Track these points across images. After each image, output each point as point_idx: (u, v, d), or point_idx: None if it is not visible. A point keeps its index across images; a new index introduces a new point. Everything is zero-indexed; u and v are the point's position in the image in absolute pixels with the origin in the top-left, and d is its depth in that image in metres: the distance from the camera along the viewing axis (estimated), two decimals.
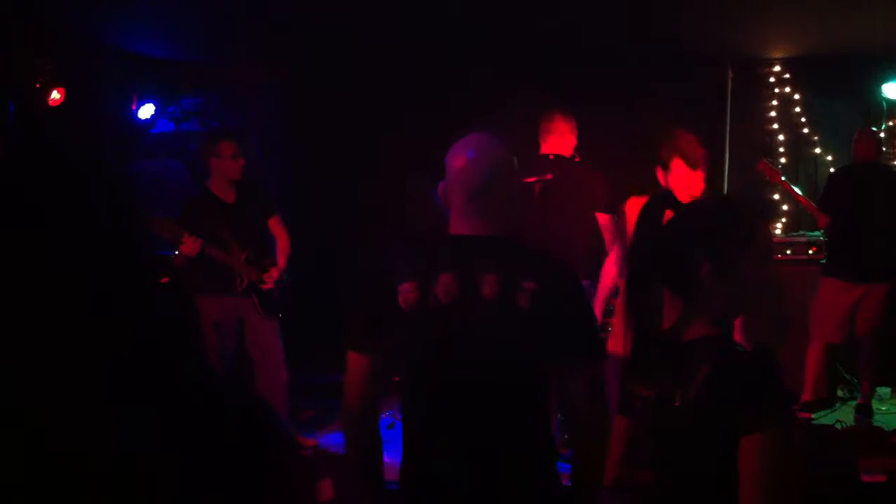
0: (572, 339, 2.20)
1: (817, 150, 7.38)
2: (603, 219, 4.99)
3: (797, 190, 6.43)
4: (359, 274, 2.34)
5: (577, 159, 5.23)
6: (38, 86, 5.57)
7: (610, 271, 4.96)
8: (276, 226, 5.55)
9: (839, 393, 6.45)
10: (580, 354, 2.23)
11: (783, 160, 7.33)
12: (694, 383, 1.76)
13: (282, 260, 5.48)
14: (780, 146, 7.39)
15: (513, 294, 2.12)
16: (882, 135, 6.86)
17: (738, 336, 5.58)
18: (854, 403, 6.05)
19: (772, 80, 7.35)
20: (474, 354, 2.15)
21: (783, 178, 6.42)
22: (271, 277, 5.32)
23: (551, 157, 5.11)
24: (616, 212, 4.89)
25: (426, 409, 2.23)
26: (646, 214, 4.42)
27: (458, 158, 2.28)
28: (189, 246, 4.92)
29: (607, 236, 5.00)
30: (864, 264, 5.84)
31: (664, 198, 4.34)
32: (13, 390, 1.06)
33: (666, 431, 1.86)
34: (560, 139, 5.16)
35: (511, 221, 2.28)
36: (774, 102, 7.38)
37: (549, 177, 4.97)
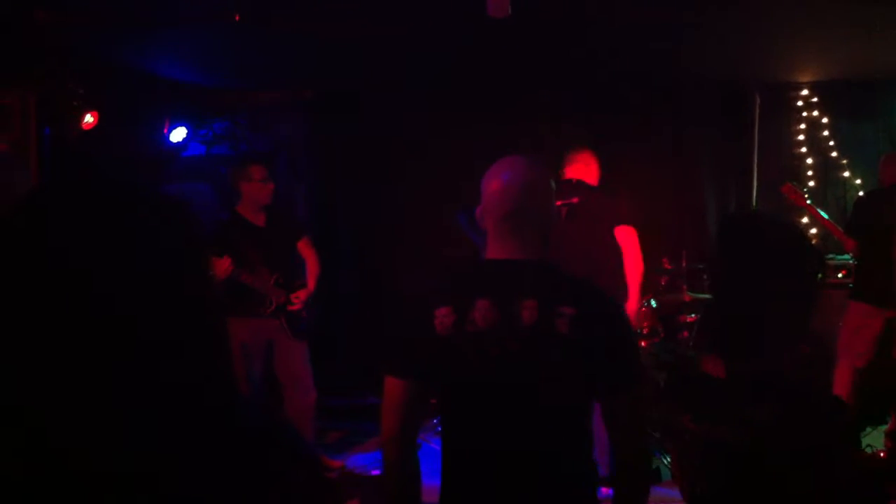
0: (613, 365, 2.16)
1: (846, 174, 7.34)
2: (625, 231, 5.01)
3: (822, 213, 6.39)
4: (395, 298, 2.33)
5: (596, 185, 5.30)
6: (71, 110, 5.66)
7: (635, 294, 4.98)
8: (305, 248, 5.58)
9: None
10: (621, 380, 2.18)
11: (811, 183, 7.30)
12: (761, 425, 1.71)
13: (311, 282, 5.50)
14: (808, 170, 7.37)
15: (552, 320, 2.09)
16: None
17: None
18: (884, 428, 5.98)
19: (799, 104, 7.34)
20: (513, 380, 2.12)
21: (808, 202, 6.39)
22: (299, 299, 5.35)
23: (574, 181, 5.16)
24: (634, 225, 4.97)
25: (465, 433, 2.21)
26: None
27: (495, 181, 2.24)
28: (219, 268, 4.97)
29: (628, 251, 5.02)
30: (892, 289, 5.79)
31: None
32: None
33: (721, 470, 1.81)
34: (585, 168, 5.25)
35: (547, 244, 2.25)
36: (802, 126, 7.36)
37: (575, 200, 5.03)
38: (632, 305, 4.94)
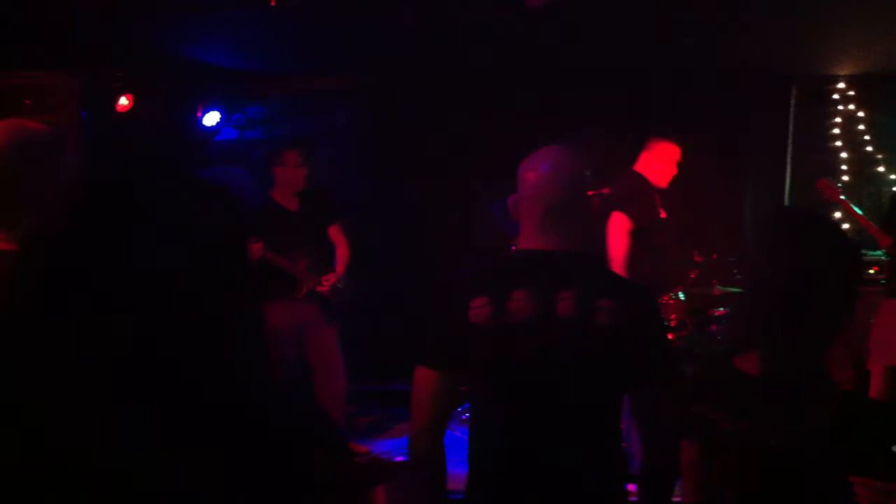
0: (648, 359, 2.16)
1: (881, 169, 7.25)
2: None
3: (857, 209, 6.32)
4: (431, 289, 2.31)
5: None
6: (111, 93, 5.72)
7: None
8: (336, 233, 5.60)
9: None
10: (656, 374, 2.19)
11: (846, 178, 7.21)
12: (804, 427, 1.69)
13: (340, 267, 5.52)
14: (842, 164, 7.28)
15: (590, 312, 2.08)
16: None
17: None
18: None
19: (836, 97, 7.25)
20: (549, 372, 2.11)
21: (843, 198, 6.32)
22: (328, 282, 5.38)
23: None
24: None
25: (498, 424, 2.19)
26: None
27: (535, 171, 2.22)
28: (251, 252, 5.01)
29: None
30: None
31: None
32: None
33: (759, 471, 1.79)
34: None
35: (586, 237, 2.24)
36: (838, 120, 7.27)
37: (605, 191, 5.04)
38: None
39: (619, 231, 5.02)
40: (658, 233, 5.18)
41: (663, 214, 5.31)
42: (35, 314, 1.10)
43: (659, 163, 5.27)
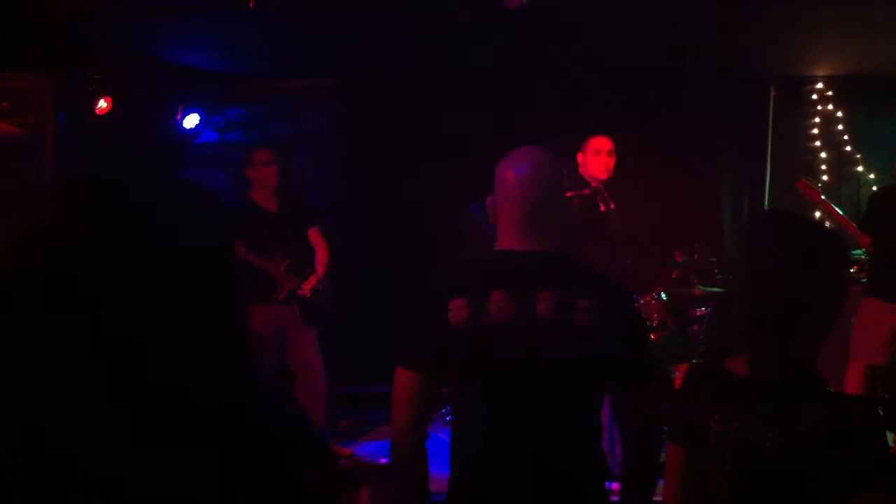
0: (628, 359, 2.16)
1: (860, 169, 7.30)
2: None
3: (837, 209, 6.36)
4: (411, 291, 2.30)
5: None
6: (87, 93, 5.67)
7: None
8: (315, 236, 5.60)
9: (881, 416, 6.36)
10: (636, 374, 2.19)
11: (825, 178, 7.26)
12: (799, 427, 1.68)
13: (320, 268, 5.51)
14: (822, 164, 7.33)
15: (568, 312, 2.07)
16: None
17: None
18: None
19: (814, 97, 7.30)
20: (529, 372, 2.10)
21: (823, 198, 6.36)
22: (309, 284, 5.37)
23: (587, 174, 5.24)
24: None
25: (479, 425, 2.18)
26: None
27: (514, 171, 2.20)
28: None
29: None
30: None
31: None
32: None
33: (753, 474, 1.77)
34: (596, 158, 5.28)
35: (565, 237, 2.23)
36: (817, 120, 7.32)
37: (586, 192, 5.05)
38: None
39: None
40: (599, 229, 5.18)
41: (604, 207, 5.31)
42: (22, 315, 1.09)
43: (591, 157, 5.30)
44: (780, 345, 1.78)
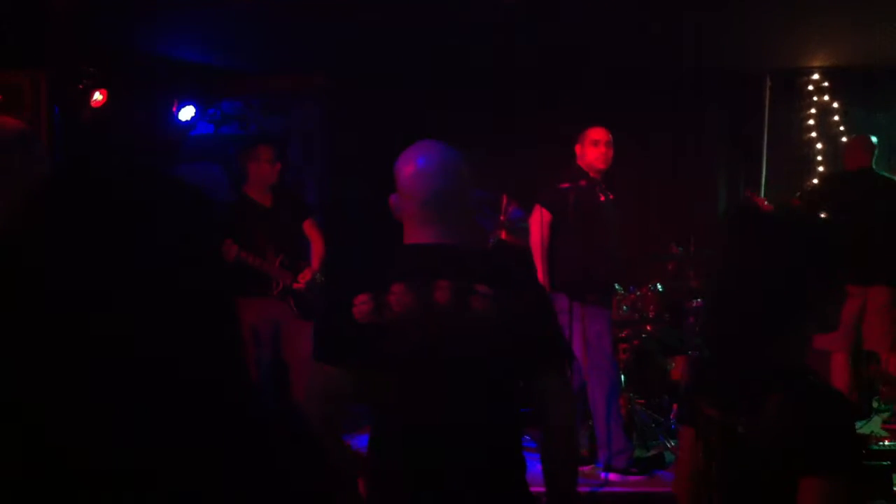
0: (535, 343, 2.17)
1: None
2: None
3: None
4: (326, 287, 2.31)
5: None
6: (80, 88, 5.67)
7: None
8: (310, 229, 5.59)
9: (875, 405, 6.37)
10: (543, 357, 2.20)
11: (820, 169, 7.27)
12: (761, 411, 1.70)
13: (315, 262, 5.51)
14: (818, 155, 7.33)
15: (466, 298, 2.09)
16: None
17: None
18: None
19: (810, 88, 7.30)
20: (433, 361, 2.11)
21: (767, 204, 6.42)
22: (304, 278, 5.37)
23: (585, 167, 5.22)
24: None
25: (389, 415, 2.20)
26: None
27: (409, 166, 2.25)
28: (226, 252, 4.98)
29: None
30: (866, 270, 5.84)
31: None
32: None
33: (727, 455, 1.81)
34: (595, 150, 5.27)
35: (468, 229, 2.25)
36: (813, 111, 7.33)
37: (582, 183, 5.06)
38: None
39: (536, 223, 5.16)
40: (595, 220, 5.17)
41: (604, 197, 5.30)
42: (12, 312, 1.09)
43: (590, 148, 5.28)
44: (740, 335, 1.80)
